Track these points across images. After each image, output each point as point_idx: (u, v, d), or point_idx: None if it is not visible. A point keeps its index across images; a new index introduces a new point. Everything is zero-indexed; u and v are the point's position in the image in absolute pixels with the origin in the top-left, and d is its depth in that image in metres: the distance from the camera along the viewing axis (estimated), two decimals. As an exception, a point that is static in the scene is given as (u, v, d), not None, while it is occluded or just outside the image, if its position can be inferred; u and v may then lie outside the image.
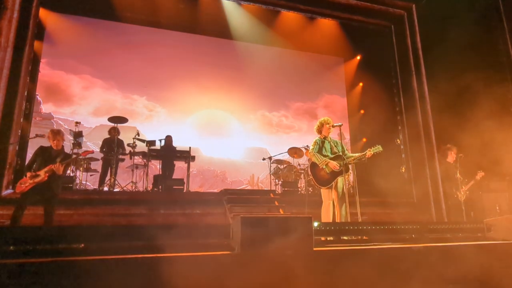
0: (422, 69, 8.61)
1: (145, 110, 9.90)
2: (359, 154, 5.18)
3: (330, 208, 4.98)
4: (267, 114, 11.20)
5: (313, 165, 5.21)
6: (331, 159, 5.08)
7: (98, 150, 7.96)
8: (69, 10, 8.94)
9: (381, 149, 5.05)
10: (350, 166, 5.34)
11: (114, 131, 7.84)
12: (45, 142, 5.14)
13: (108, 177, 7.67)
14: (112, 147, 7.67)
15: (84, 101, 9.42)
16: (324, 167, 5.04)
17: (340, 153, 5.12)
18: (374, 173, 8.06)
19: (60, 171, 4.75)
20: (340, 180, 5.05)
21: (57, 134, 5.00)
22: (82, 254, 2.63)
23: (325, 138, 5.24)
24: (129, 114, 9.10)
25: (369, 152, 5.01)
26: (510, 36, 7.04)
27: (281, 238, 2.80)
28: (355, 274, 2.81)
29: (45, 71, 8.89)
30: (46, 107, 9.00)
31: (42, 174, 4.72)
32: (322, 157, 5.07)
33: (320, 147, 5.19)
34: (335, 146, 5.23)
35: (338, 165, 4.97)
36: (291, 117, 11.44)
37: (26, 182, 4.69)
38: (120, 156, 7.90)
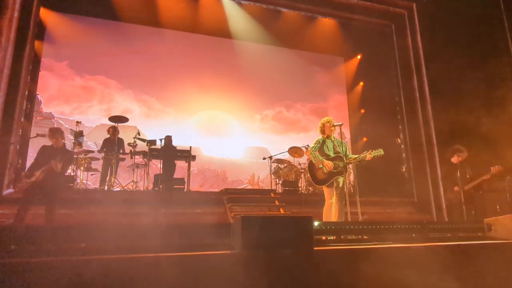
0: (422, 69, 8.61)
1: (145, 110, 9.91)
2: (359, 155, 5.15)
3: (332, 207, 4.98)
4: (269, 114, 11.20)
5: (311, 164, 5.22)
6: (331, 158, 5.08)
7: (98, 149, 7.96)
8: (70, 10, 8.95)
9: (382, 152, 4.99)
10: (350, 166, 5.33)
11: (113, 131, 7.84)
12: (47, 142, 5.15)
13: (108, 177, 7.68)
14: (112, 147, 7.67)
15: (83, 101, 9.43)
16: (320, 166, 5.02)
17: (342, 154, 5.12)
18: (374, 172, 8.07)
19: (58, 168, 4.72)
20: (341, 179, 5.06)
21: (55, 132, 5.00)
22: (83, 253, 2.63)
23: (328, 137, 5.22)
24: (129, 113, 9.11)
25: (369, 155, 5.00)
26: (511, 35, 7.02)
27: (281, 237, 2.80)
28: (355, 274, 2.82)
29: (46, 70, 8.90)
30: (46, 106, 9.01)
31: (37, 174, 4.72)
32: (319, 156, 5.07)
33: (321, 145, 5.19)
34: (338, 146, 5.21)
35: (333, 165, 4.94)
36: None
37: (23, 182, 4.72)
38: (121, 156, 7.90)
